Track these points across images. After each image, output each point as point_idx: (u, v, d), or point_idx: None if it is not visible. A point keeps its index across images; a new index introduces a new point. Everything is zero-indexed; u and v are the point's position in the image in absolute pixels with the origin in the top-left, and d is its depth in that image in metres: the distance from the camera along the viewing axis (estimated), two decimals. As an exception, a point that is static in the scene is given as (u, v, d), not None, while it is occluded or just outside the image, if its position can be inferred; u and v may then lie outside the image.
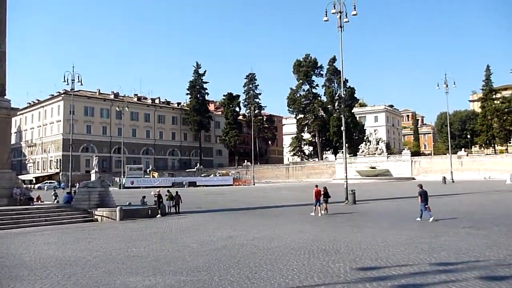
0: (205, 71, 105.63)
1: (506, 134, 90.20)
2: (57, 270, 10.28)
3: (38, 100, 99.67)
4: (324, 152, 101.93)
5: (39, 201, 28.20)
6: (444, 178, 56.28)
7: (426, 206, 18.06)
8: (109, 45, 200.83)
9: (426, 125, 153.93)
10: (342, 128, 32.58)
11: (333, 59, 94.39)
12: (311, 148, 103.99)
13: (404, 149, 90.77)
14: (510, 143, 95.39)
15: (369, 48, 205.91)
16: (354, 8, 28.78)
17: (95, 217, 22.91)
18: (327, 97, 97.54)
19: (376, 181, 70.14)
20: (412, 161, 78.54)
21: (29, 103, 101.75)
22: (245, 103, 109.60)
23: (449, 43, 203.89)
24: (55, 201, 30.63)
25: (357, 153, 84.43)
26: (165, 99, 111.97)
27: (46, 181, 79.25)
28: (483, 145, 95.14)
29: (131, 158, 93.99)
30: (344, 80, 36.19)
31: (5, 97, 25.30)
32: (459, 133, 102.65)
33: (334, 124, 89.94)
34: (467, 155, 77.94)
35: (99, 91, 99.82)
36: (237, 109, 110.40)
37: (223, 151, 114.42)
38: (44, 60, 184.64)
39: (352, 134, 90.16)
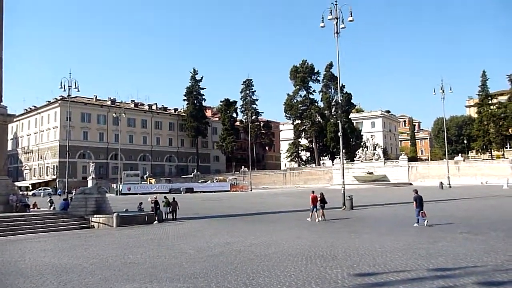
0: (202, 77, 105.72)
1: (502, 139, 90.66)
2: (53, 277, 10.21)
3: (34, 106, 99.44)
4: (321, 157, 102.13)
5: (36, 208, 28.10)
6: (441, 183, 56.31)
7: (421, 211, 18.08)
8: (106, 51, 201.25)
9: (423, 131, 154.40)
10: (339, 134, 32.63)
11: (330, 65, 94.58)
12: (308, 153, 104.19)
13: (401, 155, 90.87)
14: (506, 148, 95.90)
15: (365, 54, 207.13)
16: (351, 14, 29.21)
17: (92, 223, 22.82)
18: (324, 103, 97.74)
19: (373, 186, 70.10)
20: (409, 166, 78.67)
21: (26, 110, 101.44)
22: (242, 109, 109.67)
23: (445, 49, 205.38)
24: (51, 207, 30.47)
25: (354, 159, 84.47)
26: (162, 105, 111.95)
27: (41, 188, 78.73)
28: (480, 150, 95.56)
29: (128, 164, 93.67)
30: (341, 85, 36.44)
31: (2, 103, 25.33)
32: (456, 139, 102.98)
33: (331, 130, 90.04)
34: (464, 161, 78.25)
35: (96, 97, 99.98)
36: (234, 115, 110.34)
37: (220, 157, 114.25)
38: (40, 67, 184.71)
39: (349, 139, 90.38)
